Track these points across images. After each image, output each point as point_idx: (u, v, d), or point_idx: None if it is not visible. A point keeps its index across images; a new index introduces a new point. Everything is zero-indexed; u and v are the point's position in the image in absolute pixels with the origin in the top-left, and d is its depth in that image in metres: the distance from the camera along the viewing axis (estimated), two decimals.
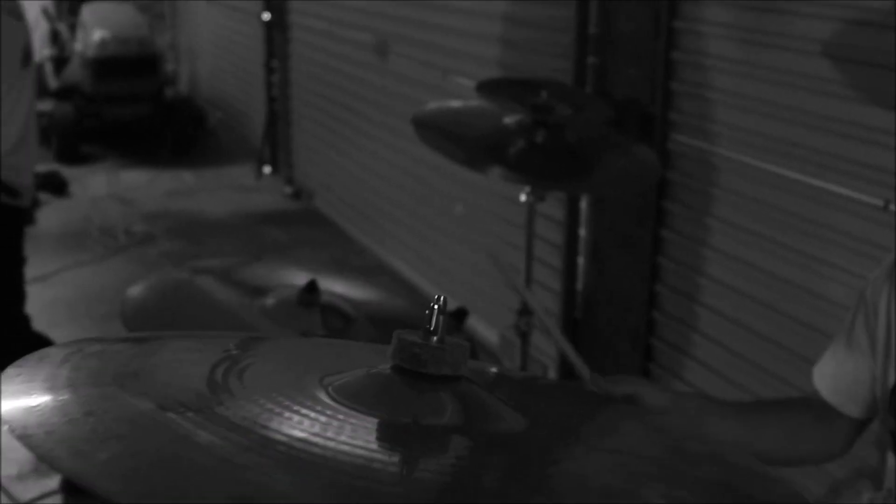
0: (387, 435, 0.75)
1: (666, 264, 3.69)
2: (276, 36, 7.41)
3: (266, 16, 7.38)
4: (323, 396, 0.78)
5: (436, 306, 0.80)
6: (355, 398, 0.78)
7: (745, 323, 3.35)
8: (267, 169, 7.85)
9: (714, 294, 3.48)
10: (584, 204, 4.11)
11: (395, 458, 0.74)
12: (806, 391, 2.03)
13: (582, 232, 4.15)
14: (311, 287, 2.01)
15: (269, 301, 2.04)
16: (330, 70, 6.55)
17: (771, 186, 3.20)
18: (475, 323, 4.62)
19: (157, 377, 0.85)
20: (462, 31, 4.88)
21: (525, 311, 2.77)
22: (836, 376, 1.92)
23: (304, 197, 7.27)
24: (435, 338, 0.79)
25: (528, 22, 4.37)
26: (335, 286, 2.11)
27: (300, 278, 2.06)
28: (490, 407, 0.82)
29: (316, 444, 0.72)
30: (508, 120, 2.57)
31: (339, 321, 2.01)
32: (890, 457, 1.82)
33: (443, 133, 2.61)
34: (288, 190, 7.41)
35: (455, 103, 2.80)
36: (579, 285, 4.21)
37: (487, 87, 2.68)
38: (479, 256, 4.85)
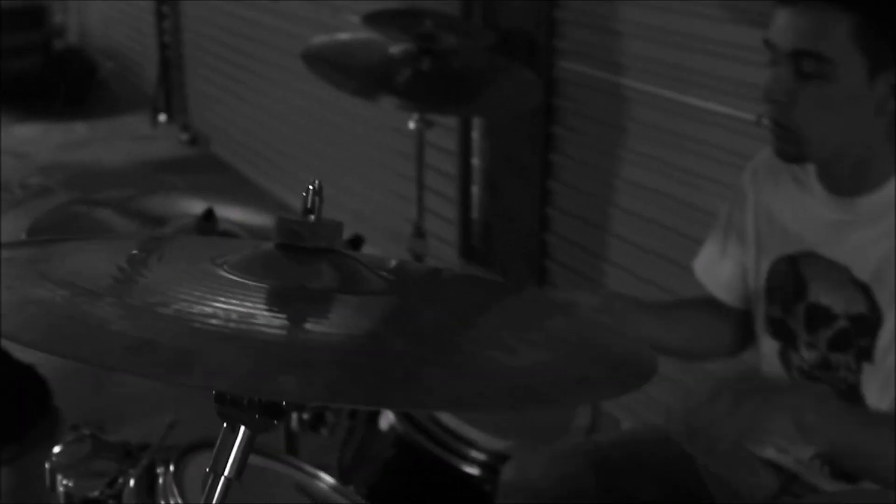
0: (275, 299, 0.85)
1: (556, 188, 3.81)
2: None
3: None
4: (219, 272, 0.88)
5: (311, 187, 0.89)
6: (246, 271, 0.87)
7: (633, 240, 3.49)
8: (162, 116, 7.80)
9: (602, 214, 3.61)
10: (475, 134, 4.21)
11: (284, 317, 0.83)
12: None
13: (475, 161, 4.25)
14: (209, 215, 2.09)
15: (168, 230, 2.11)
16: (221, 13, 6.53)
17: (651, 108, 3.33)
18: (374, 251, 4.71)
19: (66, 266, 0.94)
20: None
21: (419, 233, 2.87)
22: (715, 270, 2.08)
23: (201, 143, 7.26)
24: (312, 216, 0.89)
25: None
26: (231, 213, 2.18)
27: (198, 207, 2.13)
28: (360, 273, 0.92)
29: (211, 308, 0.81)
30: (395, 49, 2.65)
31: None
32: (765, 341, 1.97)
33: (332, 65, 2.68)
34: (184, 136, 7.38)
35: (343, 36, 2.87)
36: (475, 213, 4.32)
37: (374, 19, 2.76)
38: (375, 188, 4.94)
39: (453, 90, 2.63)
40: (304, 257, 0.88)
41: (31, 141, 7.48)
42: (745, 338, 2.08)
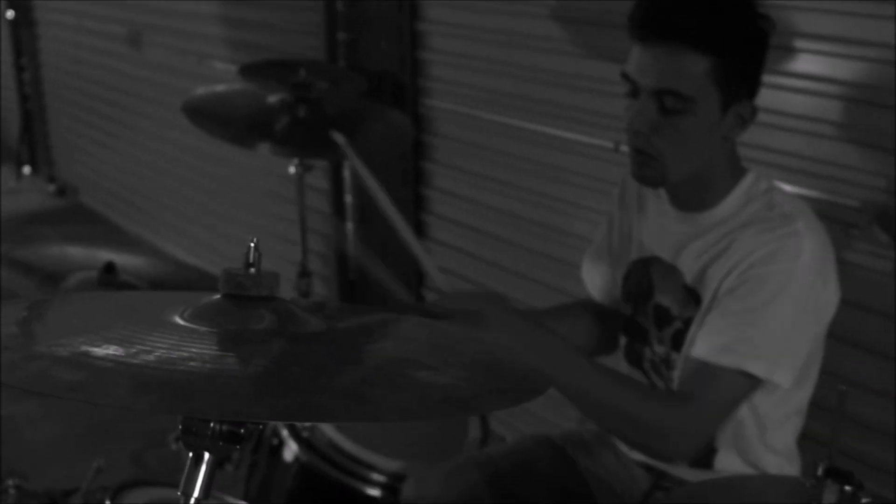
0: (224, 342, 0.99)
1: (429, 219, 3.98)
2: (24, 33, 7.33)
3: (10, 14, 7.29)
4: (179, 322, 1.03)
5: (252, 244, 1.04)
6: (202, 319, 1.02)
7: (505, 265, 3.68)
8: (27, 169, 7.76)
9: (474, 241, 3.79)
10: (347, 172, 4.36)
11: (233, 357, 0.98)
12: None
13: (348, 199, 4.40)
14: (110, 268, 2.19)
15: (70, 284, 2.21)
16: (83, 64, 6.55)
17: (513, 139, 3.54)
18: None
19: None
20: (213, 15, 5.02)
21: (304, 273, 3.00)
22: (592, 276, 2.28)
23: (68, 193, 7.25)
24: (252, 269, 1.04)
25: (279, 3, 4.57)
26: (127, 263, 2.29)
27: (87, 257, 2.23)
28: (299, 317, 1.07)
29: (188, 353, 0.96)
30: (272, 99, 2.79)
31: None
32: (620, 338, 2.17)
33: (212, 116, 2.80)
34: (51, 188, 7.37)
35: (221, 87, 2.99)
36: (350, 248, 4.46)
37: (250, 70, 2.89)
38: (256, 231, 5.03)
39: (328, 135, 2.78)
40: (248, 305, 1.03)
41: None
42: (614, 339, 2.28)
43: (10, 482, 1.82)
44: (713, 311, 1.90)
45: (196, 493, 1.02)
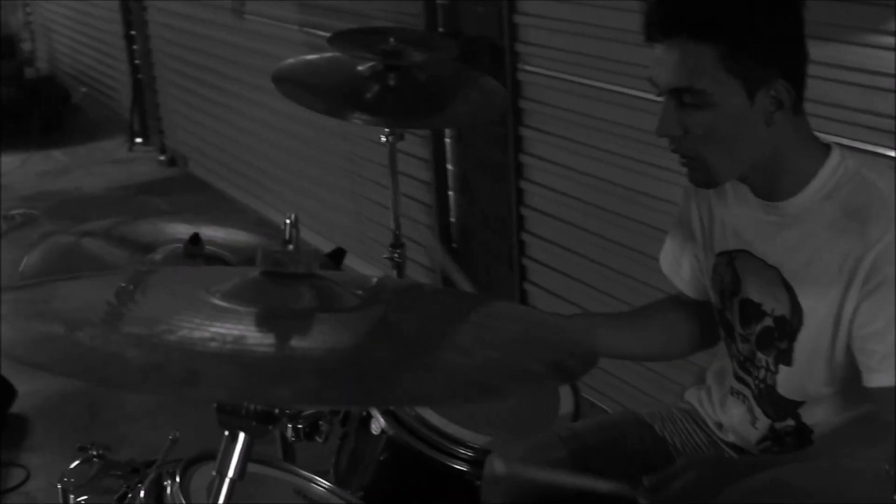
0: (264, 321, 0.96)
1: (529, 188, 3.92)
2: (133, 5, 7.43)
3: None
4: (213, 300, 0.98)
5: (288, 221, 1.00)
6: (237, 298, 0.98)
7: (607, 235, 3.60)
8: (139, 139, 7.89)
9: (574, 210, 3.72)
10: (448, 140, 4.31)
11: (272, 336, 0.94)
12: (664, 291, 2.31)
13: (449, 167, 4.36)
14: (195, 239, 2.17)
15: (157, 256, 2.20)
16: (189, 34, 6.61)
17: (615, 105, 3.44)
18: (355, 263, 4.82)
19: (69, 304, 1.05)
20: None
21: (397, 243, 2.97)
22: (676, 266, 2.19)
23: (178, 163, 7.35)
24: (290, 246, 1.00)
25: None
26: (216, 235, 2.28)
27: (182, 231, 2.22)
28: (336, 293, 1.03)
29: (209, 333, 0.92)
30: (362, 67, 2.75)
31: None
32: (720, 330, 2.09)
33: (302, 86, 2.78)
34: (162, 158, 7.48)
35: (311, 57, 2.96)
36: (453, 217, 4.42)
37: (339, 39, 2.86)
38: (352, 199, 5.04)
39: (420, 103, 2.73)
40: (286, 282, 0.99)
41: (10, 172, 7.55)
42: (715, 331, 2.19)
43: (94, 451, 1.82)
44: (869, 336, 1.80)
45: (231, 473, 0.99)
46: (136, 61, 7.62)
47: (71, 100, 9.35)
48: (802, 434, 1.95)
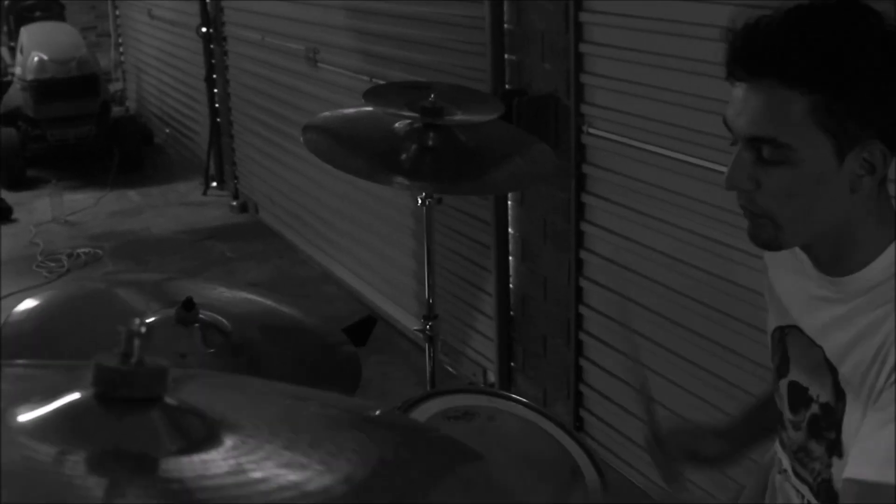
0: (92, 466, 0.73)
1: (589, 258, 3.68)
2: (216, 49, 7.38)
3: (205, 29, 7.34)
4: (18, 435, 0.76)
5: (131, 329, 0.78)
6: (55, 433, 0.75)
7: (666, 314, 3.34)
8: (214, 183, 7.82)
9: (634, 285, 3.47)
10: (510, 203, 4.10)
11: (101, 489, 0.71)
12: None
13: (511, 231, 4.15)
14: (189, 304, 1.98)
15: (147, 321, 2.01)
16: (265, 80, 6.52)
17: (681, 175, 3.20)
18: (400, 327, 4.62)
19: None
20: (385, 35, 4.87)
21: (430, 315, 2.75)
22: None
23: (249, 209, 7.25)
24: (132, 360, 0.77)
25: (445, 21, 4.36)
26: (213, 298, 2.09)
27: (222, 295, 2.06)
28: (202, 427, 0.80)
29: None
30: (399, 125, 2.55)
31: (217, 336, 1.99)
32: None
33: (332, 141, 2.59)
34: (234, 203, 7.38)
35: (347, 111, 2.77)
36: (511, 284, 4.20)
37: (375, 93, 2.66)
38: (415, 260, 4.84)
39: (461, 166, 2.52)
40: (132, 411, 0.76)
41: (84, 209, 7.53)
42: None
43: None
44: (868, 423, 1.55)
45: None
46: (216, 105, 7.56)
47: (154, 140, 9.36)
48: None
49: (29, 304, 2.12)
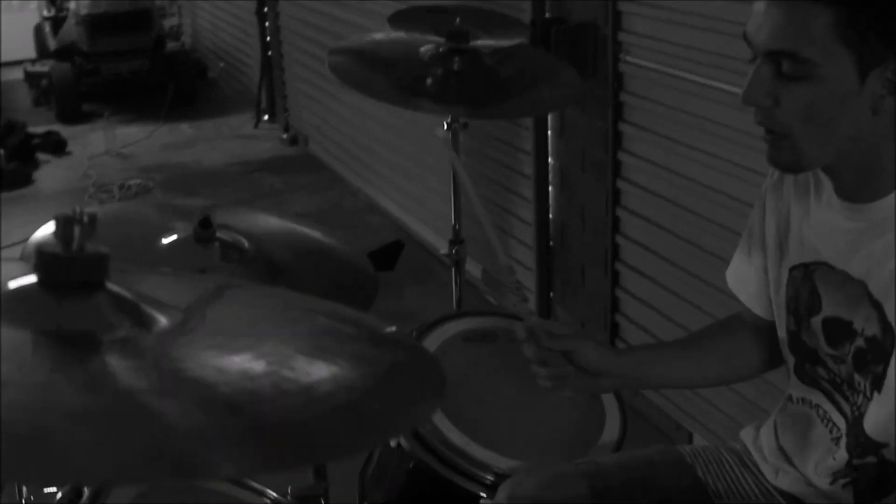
0: (34, 347, 0.75)
1: (626, 188, 3.66)
2: None
3: None
4: None
5: (69, 216, 0.80)
6: (3, 316, 0.78)
7: (702, 244, 3.32)
8: (266, 116, 7.86)
9: (671, 215, 3.45)
10: (550, 132, 4.09)
11: (42, 369, 0.74)
12: None
13: (551, 161, 4.13)
14: (206, 223, 2.01)
15: (167, 238, 2.05)
16: (315, 13, 6.51)
17: (720, 103, 3.16)
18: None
19: None
20: None
21: (456, 239, 2.76)
22: (742, 279, 1.93)
23: (300, 142, 7.28)
24: (73, 247, 0.79)
25: None
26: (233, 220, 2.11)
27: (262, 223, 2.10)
28: (139, 311, 0.82)
29: None
30: (424, 49, 2.55)
31: (235, 254, 2.02)
32: (786, 355, 1.81)
33: (358, 67, 2.59)
34: (284, 136, 7.41)
35: (373, 36, 2.77)
36: (551, 214, 4.19)
37: (400, 17, 2.65)
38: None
39: (486, 91, 2.52)
40: (74, 296, 0.78)
41: (137, 142, 7.60)
42: (778, 354, 1.92)
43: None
44: None
45: None
46: (268, 38, 7.57)
47: (208, 74, 9.41)
48: (884, 472, 1.66)
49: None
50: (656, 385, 1.98)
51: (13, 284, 0.80)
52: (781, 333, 1.81)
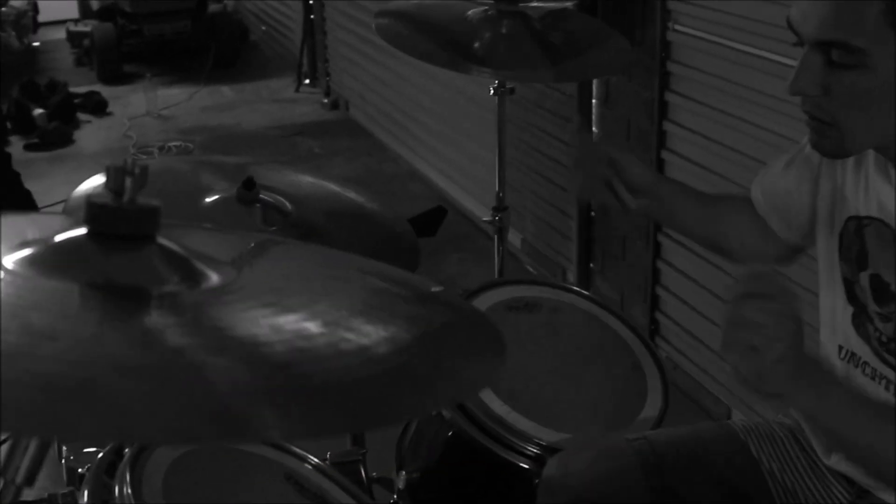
0: (82, 299, 0.73)
1: (670, 158, 3.61)
2: None
3: None
4: (16, 269, 0.76)
5: (121, 166, 0.77)
6: (50, 268, 0.75)
7: None
8: (307, 80, 7.83)
9: (715, 187, 3.40)
10: (594, 101, 4.04)
11: (90, 322, 0.71)
12: (797, 283, 2.03)
13: (595, 129, 4.09)
14: (249, 184, 1.99)
15: (209, 199, 2.03)
16: None
17: (768, 74, 3.11)
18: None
19: None
20: None
21: (500, 206, 2.73)
22: (771, 192, 1.91)
23: (340, 107, 7.25)
24: (125, 198, 0.77)
25: None
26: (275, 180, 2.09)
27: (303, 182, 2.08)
28: (190, 266, 0.79)
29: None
30: (472, 12, 2.51)
31: (277, 216, 2.00)
32: (836, 300, 1.77)
33: (405, 28, 2.55)
34: (325, 101, 7.39)
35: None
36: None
37: None
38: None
39: (534, 55, 2.48)
40: (122, 248, 0.76)
41: (178, 104, 7.59)
42: (789, 259, 1.96)
43: None
44: None
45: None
46: (311, 1, 7.53)
47: (249, 37, 9.39)
48: None
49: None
50: (675, 223, 2.04)
51: (60, 237, 0.78)
52: (832, 276, 1.77)
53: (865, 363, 1.73)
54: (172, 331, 0.72)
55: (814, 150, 1.77)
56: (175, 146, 6.56)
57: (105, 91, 7.73)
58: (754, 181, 1.97)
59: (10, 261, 0.76)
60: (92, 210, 0.77)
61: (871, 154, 1.67)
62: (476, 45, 2.47)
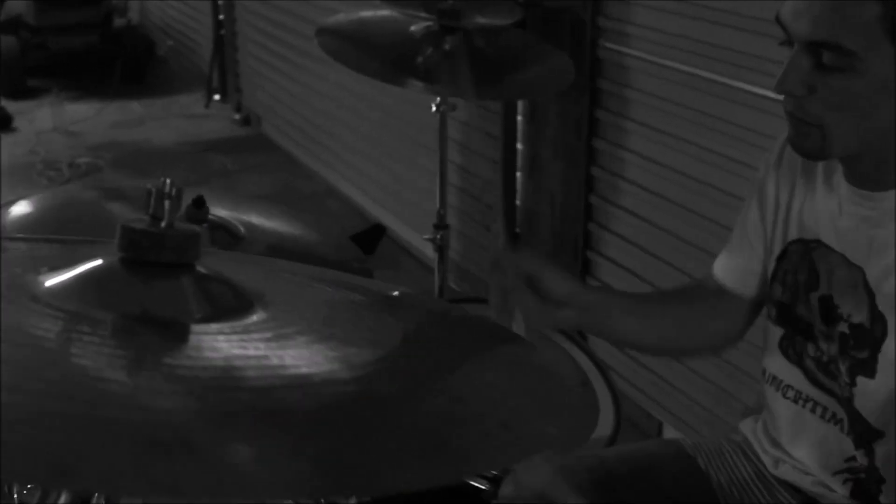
0: (116, 331, 0.68)
1: (600, 175, 3.63)
2: None
3: None
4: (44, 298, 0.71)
5: (161, 189, 0.73)
6: (79, 297, 0.71)
7: (679, 233, 3.30)
8: (217, 96, 7.73)
9: (646, 203, 3.42)
10: (520, 118, 4.04)
11: (126, 355, 0.67)
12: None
13: (520, 146, 4.08)
14: (199, 202, 1.95)
15: None
16: None
17: (698, 91, 3.13)
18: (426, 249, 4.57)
19: None
20: None
21: (441, 224, 2.70)
22: (731, 266, 1.90)
23: (252, 123, 7.16)
24: (163, 223, 0.72)
25: None
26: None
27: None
28: (226, 296, 0.75)
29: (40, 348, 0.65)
30: (415, 28, 2.49)
31: (227, 238, 1.96)
32: (770, 328, 1.78)
33: (349, 43, 2.52)
34: (237, 116, 7.30)
35: (363, 13, 2.71)
36: (519, 200, 4.15)
37: None
38: (423, 174, 4.78)
39: (477, 72, 2.46)
40: (158, 276, 0.71)
41: (85, 120, 7.44)
42: (747, 326, 1.90)
43: None
44: None
45: None
46: (221, 16, 7.43)
47: (156, 52, 9.24)
48: (870, 477, 1.65)
49: (22, 207, 2.08)
50: (610, 334, 1.90)
51: (90, 264, 0.73)
52: (767, 305, 1.79)
53: (788, 386, 1.74)
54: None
55: (746, 222, 1.80)
56: (84, 163, 6.42)
57: (10, 106, 7.53)
58: (715, 266, 1.95)
59: (40, 289, 0.71)
60: (128, 236, 0.72)
61: (819, 166, 1.68)
62: (419, 60, 2.45)
